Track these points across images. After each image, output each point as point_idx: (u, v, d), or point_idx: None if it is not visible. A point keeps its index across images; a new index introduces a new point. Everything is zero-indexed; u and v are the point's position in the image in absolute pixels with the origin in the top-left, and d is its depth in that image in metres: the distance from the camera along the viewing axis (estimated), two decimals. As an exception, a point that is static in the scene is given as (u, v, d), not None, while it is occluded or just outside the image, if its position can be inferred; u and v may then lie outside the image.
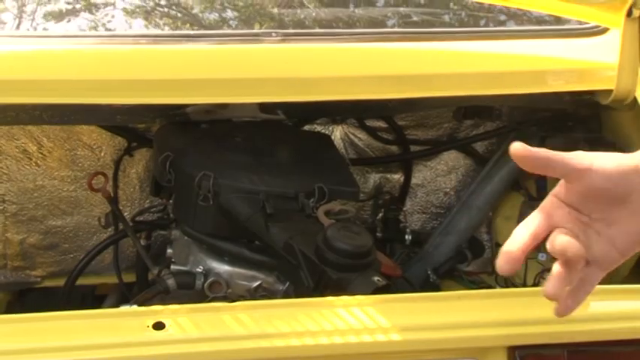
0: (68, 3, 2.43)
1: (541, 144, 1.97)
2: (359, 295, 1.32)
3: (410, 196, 2.21)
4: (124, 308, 1.38)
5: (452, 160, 2.19)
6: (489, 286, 2.04)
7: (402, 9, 2.58)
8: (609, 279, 1.80)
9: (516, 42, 1.79)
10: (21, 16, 2.30)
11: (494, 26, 2.36)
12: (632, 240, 0.82)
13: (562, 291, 0.81)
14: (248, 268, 1.62)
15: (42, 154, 2.01)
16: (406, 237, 2.05)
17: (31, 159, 2.01)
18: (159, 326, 1.16)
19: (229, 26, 2.47)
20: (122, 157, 2.03)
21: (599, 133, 1.90)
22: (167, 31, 2.34)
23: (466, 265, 2.03)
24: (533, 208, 0.87)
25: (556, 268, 0.81)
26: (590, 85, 1.66)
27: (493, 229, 2.16)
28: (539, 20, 2.18)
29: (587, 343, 1.26)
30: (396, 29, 2.24)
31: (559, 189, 0.83)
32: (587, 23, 1.73)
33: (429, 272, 1.98)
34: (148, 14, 2.49)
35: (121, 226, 1.91)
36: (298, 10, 2.55)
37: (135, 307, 1.39)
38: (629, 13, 1.51)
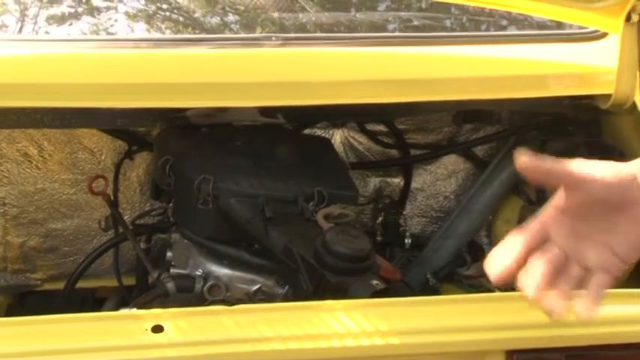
0: (71, 7, 2.43)
1: (541, 148, 1.98)
2: (357, 299, 1.33)
3: (410, 200, 2.22)
4: (123, 311, 1.38)
5: (452, 164, 2.20)
6: (489, 290, 2.04)
7: (402, 13, 2.58)
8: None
9: (515, 46, 1.79)
10: (23, 20, 2.30)
11: (495, 31, 2.37)
12: (632, 247, 0.82)
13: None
14: (247, 271, 1.62)
15: (42, 157, 2.02)
16: (406, 241, 2.05)
17: (31, 162, 2.02)
18: (158, 329, 1.17)
19: (231, 30, 2.47)
20: (123, 160, 2.04)
21: (599, 138, 1.90)
22: (168, 35, 2.35)
23: (466, 268, 2.03)
24: (532, 212, 0.87)
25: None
26: (589, 89, 1.66)
27: (493, 233, 2.17)
28: (541, 25, 2.19)
29: (585, 347, 1.26)
30: (395, 34, 2.25)
31: (558, 199, 0.84)
32: (587, 28, 1.73)
33: (429, 276, 1.98)
34: (149, 18, 2.49)
35: (121, 230, 1.91)
36: (300, 15, 2.55)
37: (134, 311, 1.39)
38: (628, 18, 1.51)
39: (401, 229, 2.11)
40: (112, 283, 2.06)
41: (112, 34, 2.33)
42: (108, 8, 2.50)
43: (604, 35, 1.72)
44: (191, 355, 1.17)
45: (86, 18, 2.38)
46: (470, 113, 1.98)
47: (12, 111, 1.61)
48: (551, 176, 0.82)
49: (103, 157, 2.05)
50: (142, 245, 1.90)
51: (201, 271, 1.63)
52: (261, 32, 2.36)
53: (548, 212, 0.85)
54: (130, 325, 1.19)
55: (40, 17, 2.32)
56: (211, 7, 2.62)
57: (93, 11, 2.48)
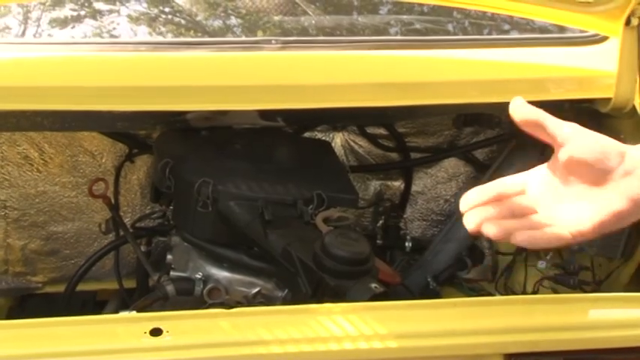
0: (73, 10, 2.44)
1: (541, 153, 1.98)
2: (356, 302, 1.33)
3: (410, 204, 2.22)
4: (122, 314, 1.38)
5: (452, 167, 2.19)
6: (489, 294, 2.04)
7: (402, 17, 2.58)
8: (609, 287, 1.81)
9: (516, 50, 1.80)
10: (26, 22, 2.31)
11: (496, 34, 2.37)
12: (605, 219, 0.84)
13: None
14: (247, 274, 1.62)
15: (43, 160, 2.02)
16: (406, 244, 2.05)
17: (32, 165, 2.02)
18: (156, 332, 1.17)
19: (232, 33, 2.48)
20: (123, 163, 2.04)
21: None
22: (167, 38, 2.35)
23: (466, 272, 2.03)
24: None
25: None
26: (589, 93, 1.66)
27: (493, 237, 2.16)
28: (543, 29, 2.19)
29: (584, 351, 1.26)
30: (395, 37, 2.25)
31: (551, 159, 0.87)
32: (587, 31, 1.73)
33: (429, 279, 1.97)
34: (150, 21, 2.50)
35: (121, 233, 1.92)
36: (302, 18, 2.56)
37: (132, 314, 1.39)
38: (628, 22, 1.51)
39: (401, 232, 2.11)
40: (113, 285, 2.06)
41: (115, 36, 2.33)
42: (111, 11, 2.51)
43: (604, 39, 1.72)
44: (190, 358, 1.17)
45: (86, 21, 2.39)
46: (470, 117, 1.97)
47: (12, 114, 1.62)
48: (537, 127, 0.85)
49: (103, 160, 2.05)
50: (143, 248, 1.90)
51: (200, 274, 1.63)
52: (263, 35, 2.36)
53: (535, 171, 0.89)
54: (128, 328, 1.19)
55: (41, 20, 2.33)
56: (213, 11, 2.63)
57: (95, 14, 2.49)
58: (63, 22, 2.39)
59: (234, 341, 1.18)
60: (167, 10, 2.59)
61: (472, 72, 1.73)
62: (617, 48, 1.56)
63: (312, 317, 1.22)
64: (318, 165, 1.78)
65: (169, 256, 1.72)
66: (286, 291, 1.57)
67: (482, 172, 2.09)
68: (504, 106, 1.69)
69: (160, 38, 2.33)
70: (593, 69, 1.67)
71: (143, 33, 2.44)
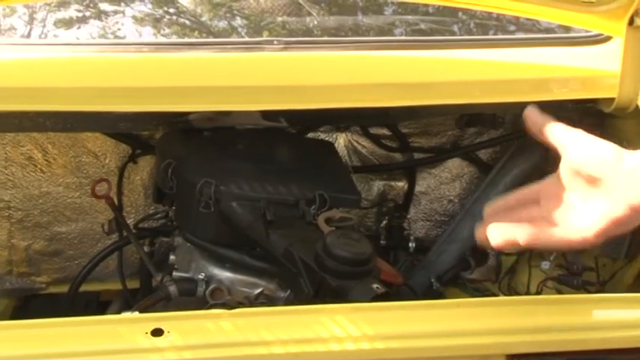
0: (79, 10, 2.45)
1: (545, 153, 1.97)
2: (358, 303, 1.32)
3: (414, 204, 2.21)
4: (124, 315, 1.38)
5: (456, 167, 2.19)
6: (493, 294, 2.03)
7: (406, 17, 2.58)
8: (613, 287, 1.81)
9: (518, 50, 1.79)
10: (32, 23, 2.32)
11: (502, 35, 2.36)
12: (607, 224, 0.85)
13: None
14: (250, 274, 1.62)
15: (47, 160, 2.02)
16: (410, 244, 2.04)
17: (36, 166, 2.02)
18: (157, 333, 1.16)
19: (237, 33, 2.48)
20: (126, 164, 2.04)
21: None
22: (171, 39, 2.36)
23: (470, 272, 2.02)
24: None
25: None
26: (592, 93, 1.65)
27: (497, 237, 2.15)
28: (548, 30, 2.18)
29: (588, 352, 1.25)
30: (397, 37, 2.25)
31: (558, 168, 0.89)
32: (590, 31, 1.72)
33: (433, 280, 1.97)
34: (155, 22, 2.50)
35: (124, 233, 1.91)
36: (307, 19, 2.56)
37: (134, 314, 1.39)
38: (631, 22, 1.50)
39: (405, 232, 2.10)
40: (116, 286, 2.06)
41: (119, 37, 2.34)
42: (115, 12, 2.52)
43: (608, 39, 1.71)
44: (191, 358, 1.16)
45: (89, 22, 2.40)
46: (472, 117, 1.97)
47: (14, 115, 1.61)
48: (547, 135, 0.88)
49: (107, 161, 2.05)
50: (146, 248, 1.89)
51: (203, 274, 1.63)
52: (267, 36, 2.36)
53: (546, 180, 0.92)
54: (130, 328, 1.19)
55: (42, 21, 2.34)
56: (216, 11, 2.63)
57: (100, 15, 2.49)
58: (68, 23, 2.40)
59: (235, 342, 1.18)
60: (172, 10, 2.60)
61: (475, 72, 1.72)
62: (620, 48, 1.55)
63: (314, 318, 1.22)
64: (320, 165, 1.77)
65: (172, 257, 1.71)
66: (289, 291, 1.57)
67: (486, 173, 2.08)
68: (507, 106, 1.71)
69: (164, 39, 2.34)
70: (596, 69, 1.66)
71: (148, 34, 2.45)
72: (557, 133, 0.88)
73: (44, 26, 2.37)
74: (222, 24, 2.62)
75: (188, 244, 1.68)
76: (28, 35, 2.27)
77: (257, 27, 2.57)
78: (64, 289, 2.00)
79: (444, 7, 2.55)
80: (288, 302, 1.56)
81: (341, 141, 2.15)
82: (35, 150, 2.00)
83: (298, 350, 1.18)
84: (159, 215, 1.94)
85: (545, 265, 1.90)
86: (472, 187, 2.18)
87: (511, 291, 1.99)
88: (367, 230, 2.17)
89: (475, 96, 1.66)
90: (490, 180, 2.02)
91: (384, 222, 2.13)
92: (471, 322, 1.26)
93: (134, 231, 1.91)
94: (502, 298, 1.85)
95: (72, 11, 2.46)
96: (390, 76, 1.67)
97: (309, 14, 2.59)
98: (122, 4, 2.50)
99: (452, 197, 2.21)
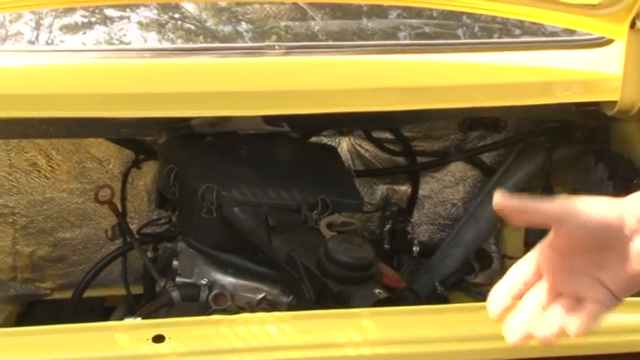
0: (84, 16, 2.45)
1: (548, 155, 1.96)
2: (360, 308, 1.32)
3: (417, 208, 2.21)
4: (125, 321, 1.38)
5: (459, 171, 2.18)
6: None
7: (410, 21, 2.58)
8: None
9: (522, 53, 1.78)
10: (39, 29, 2.32)
11: (505, 38, 2.36)
12: (625, 284, 0.81)
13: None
14: (252, 280, 1.61)
15: (51, 166, 2.03)
16: (414, 248, 2.04)
17: (40, 172, 2.02)
18: (159, 339, 1.16)
19: (241, 37, 2.48)
20: (130, 169, 2.04)
21: (607, 145, 1.88)
22: (175, 44, 2.36)
23: (473, 276, 2.02)
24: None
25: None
26: (594, 96, 1.64)
27: (501, 241, 2.15)
28: (553, 33, 2.17)
29: (588, 357, 1.24)
30: (399, 41, 2.24)
31: (550, 236, 0.82)
32: (592, 34, 1.72)
33: (437, 284, 1.97)
34: (160, 27, 2.51)
35: (128, 239, 1.92)
36: (311, 23, 2.56)
37: (136, 321, 1.38)
38: (633, 25, 1.50)
39: (409, 236, 2.10)
40: (121, 291, 2.06)
41: (124, 43, 2.34)
42: (121, 18, 2.52)
43: (610, 42, 1.70)
44: (192, 364, 1.16)
45: (92, 29, 2.40)
46: (475, 120, 1.96)
47: (18, 122, 1.62)
48: (530, 215, 0.81)
49: (110, 166, 2.06)
50: (149, 254, 1.89)
51: (206, 279, 1.62)
52: (274, 40, 2.36)
53: (539, 250, 0.85)
54: (131, 334, 1.19)
55: (46, 26, 2.34)
56: (221, 17, 2.64)
57: (105, 21, 2.50)
58: (74, 29, 2.40)
59: (236, 348, 1.18)
60: (177, 16, 2.60)
61: (478, 76, 1.71)
62: (622, 51, 1.55)
63: (315, 323, 1.22)
64: (322, 170, 1.77)
65: (175, 262, 1.71)
66: (291, 296, 1.56)
67: (490, 176, 2.08)
68: (511, 109, 1.70)
69: (167, 44, 2.34)
70: (598, 72, 1.65)
71: (152, 39, 2.45)
72: (546, 209, 0.80)
73: (50, 32, 2.38)
74: (227, 29, 2.63)
75: (191, 250, 1.68)
76: (35, 40, 2.28)
77: (262, 32, 2.57)
78: (68, 294, 2.00)
79: (449, 11, 2.54)
80: (290, 307, 1.55)
81: (344, 145, 2.14)
82: (39, 156, 2.00)
83: (299, 356, 1.18)
84: (162, 221, 1.93)
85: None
86: (476, 190, 2.17)
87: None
88: (371, 234, 2.17)
89: (478, 100, 1.65)
90: (494, 183, 2.01)
91: (388, 226, 2.12)
92: (471, 327, 1.25)
93: (137, 236, 1.91)
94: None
95: (77, 17, 2.47)
96: (392, 81, 1.67)
97: (313, 19, 2.59)
98: (127, 9, 2.51)
99: (455, 201, 2.20)
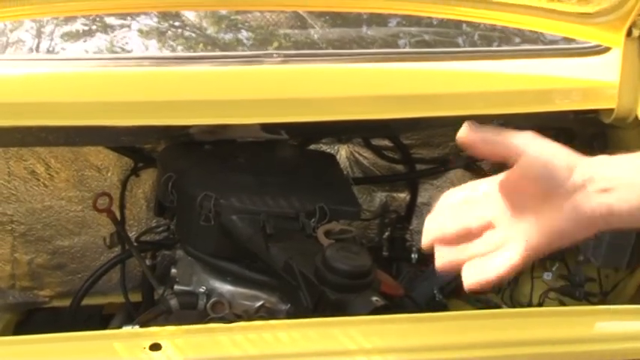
0: (85, 24, 2.46)
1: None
2: (357, 316, 1.31)
3: (416, 215, 2.20)
4: (122, 330, 1.38)
5: (458, 178, 2.18)
6: (496, 305, 2.02)
7: (408, 29, 2.58)
8: (615, 298, 1.79)
9: (520, 61, 1.79)
10: (40, 37, 2.33)
11: (505, 46, 2.36)
12: (547, 238, 0.80)
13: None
14: (251, 288, 1.61)
15: (50, 174, 2.03)
16: (412, 256, 2.04)
17: (39, 180, 2.02)
18: (156, 347, 1.16)
19: (242, 45, 2.49)
20: (129, 177, 2.04)
21: (605, 152, 1.88)
22: (175, 52, 2.37)
23: (472, 283, 2.01)
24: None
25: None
26: (592, 103, 1.65)
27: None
28: (552, 41, 2.18)
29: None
30: (397, 50, 2.25)
31: (503, 173, 0.83)
32: (589, 42, 1.72)
33: (435, 291, 1.96)
34: (160, 35, 2.52)
35: (126, 247, 1.91)
36: (311, 31, 2.57)
37: (132, 329, 1.38)
38: (629, 33, 1.51)
39: (407, 244, 2.10)
40: (119, 299, 2.06)
41: (126, 50, 2.35)
42: (121, 26, 2.53)
43: (607, 50, 1.71)
44: (189, 372, 1.16)
45: (90, 37, 2.41)
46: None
47: (17, 130, 1.62)
48: (492, 147, 0.81)
49: (109, 175, 2.06)
50: (148, 261, 1.89)
51: (204, 287, 1.62)
52: (274, 48, 2.37)
53: (488, 182, 0.85)
54: (128, 343, 1.19)
55: (55, 34, 2.35)
56: (220, 25, 2.64)
57: (106, 28, 2.51)
58: (75, 36, 2.41)
59: (233, 356, 1.17)
60: (177, 24, 2.61)
61: (477, 83, 1.72)
62: (618, 59, 1.55)
63: (313, 331, 1.21)
64: (320, 178, 1.77)
65: (174, 270, 1.71)
66: (289, 304, 1.56)
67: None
68: (509, 117, 1.71)
69: (166, 52, 2.35)
70: (595, 80, 1.66)
71: (153, 47, 2.46)
72: (507, 139, 0.80)
73: (52, 39, 2.39)
74: (227, 36, 2.64)
75: (189, 258, 1.68)
76: (37, 48, 2.29)
77: (262, 39, 2.58)
78: (66, 302, 2.00)
79: (448, 20, 2.55)
80: (288, 315, 1.55)
81: (343, 152, 2.15)
82: (38, 164, 2.01)
83: (296, 364, 1.17)
84: (161, 228, 1.93)
85: (548, 276, 1.89)
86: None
87: (513, 302, 1.97)
88: (370, 241, 2.17)
89: (477, 107, 1.66)
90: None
91: (387, 233, 2.12)
92: (474, 334, 1.25)
93: (136, 244, 1.91)
94: (506, 310, 1.84)
95: (78, 25, 2.48)
96: (391, 88, 1.67)
97: (313, 27, 2.60)
98: (128, 17, 2.52)
99: (454, 208, 2.20)
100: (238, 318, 1.56)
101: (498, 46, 2.50)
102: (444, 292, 1.97)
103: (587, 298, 1.82)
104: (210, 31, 2.66)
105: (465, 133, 0.81)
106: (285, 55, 1.67)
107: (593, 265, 1.82)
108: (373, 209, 2.19)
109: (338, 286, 1.39)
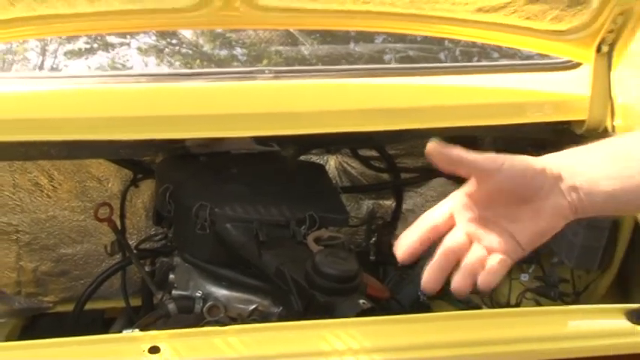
0: (87, 42, 2.47)
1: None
2: (345, 318, 1.32)
3: (401, 221, 2.21)
4: (122, 334, 1.38)
5: (440, 186, 2.19)
6: (476, 305, 2.03)
7: (393, 45, 2.60)
8: (587, 298, 1.80)
9: (497, 76, 1.81)
10: (44, 54, 2.34)
11: (484, 61, 2.38)
12: (531, 237, 0.82)
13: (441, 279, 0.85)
14: (245, 292, 1.62)
15: (53, 186, 2.03)
16: (398, 260, 2.04)
17: (42, 191, 2.03)
18: (154, 350, 1.16)
19: (237, 61, 2.50)
20: (128, 188, 2.04)
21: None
22: (172, 68, 2.38)
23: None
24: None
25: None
26: (564, 115, 1.67)
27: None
28: (529, 56, 2.20)
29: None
30: (382, 65, 2.27)
31: (469, 187, 0.85)
32: (561, 58, 1.74)
33: (420, 293, 1.97)
34: (158, 52, 2.53)
35: (127, 254, 1.92)
36: (302, 48, 2.58)
37: (132, 332, 1.39)
38: (599, 49, 1.53)
39: (393, 248, 2.10)
40: (120, 304, 2.06)
41: (126, 67, 2.36)
42: (121, 44, 2.54)
43: (578, 65, 1.73)
44: (186, 374, 1.16)
45: (90, 56, 2.42)
46: (454, 139, 1.97)
47: (21, 144, 1.62)
48: (458, 165, 0.83)
49: (110, 185, 2.06)
50: (147, 268, 1.90)
51: (201, 292, 1.63)
52: (266, 64, 2.38)
53: (457, 199, 0.86)
54: (127, 346, 1.19)
55: (58, 52, 2.36)
56: (214, 42, 2.66)
57: (107, 47, 2.52)
58: (77, 54, 2.42)
59: (228, 357, 1.18)
60: (174, 41, 2.62)
61: (457, 97, 1.73)
62: (589, 73, 1.57)
63: (303, 333, 1.22)
64: (310, 187, 1.78)
65: (172, 276, 1.72)
66: (281, 308, 1.57)
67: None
68: (488, 128, 1.72)
69: (164, 69, 2.36)
70: (568, 93, 1.68)
71: (151, 63, 2.47)
72: (481, 161, 0.82)
73: (55, 57, 2.39)
74: (222, 53, 2.65)
75: (186, 264, 1.69)
76: (41, 65, 2.30)
77: (255, 56, 2.59)
78: (70, 307, 2.00)
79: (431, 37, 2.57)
80: (280, 318, 1.56)
81: (332, 163, 2.16)
82: (42, 176, 2.01)
83: (288, 364, 1.18)
84: (159, 237, 1.94)
85: (525, 277, 1.90)
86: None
87: (493, 302, 1.99)
88: (357, 246, 2.17)
89: (457, 120, 1.67)
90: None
91: (374, 239, 2.13)
92: (457, 334, 1.26)
93: (136, 252, 1.91)
94: (485, 310, 1.85)
95: (81, 43, 2.49)
96: (376, 102, 1.69)
97: (303, 44, 2.61)
98: (127, 36, 2.53)
99: (437, 214, 2.21)
100: (233, 321, 1.57)
101: (478, 61, 2.52)
102: (427, 294, 1.98)
103: (562, 298, 1.83)
104: (206, 48, 2.67)
105: (430, 152, 0.82)
106: (277, 72, 1.69)
107: (566, 266, 1.84)
108: (361, 216, 2.20)
109: (327, 290, 1.40)
